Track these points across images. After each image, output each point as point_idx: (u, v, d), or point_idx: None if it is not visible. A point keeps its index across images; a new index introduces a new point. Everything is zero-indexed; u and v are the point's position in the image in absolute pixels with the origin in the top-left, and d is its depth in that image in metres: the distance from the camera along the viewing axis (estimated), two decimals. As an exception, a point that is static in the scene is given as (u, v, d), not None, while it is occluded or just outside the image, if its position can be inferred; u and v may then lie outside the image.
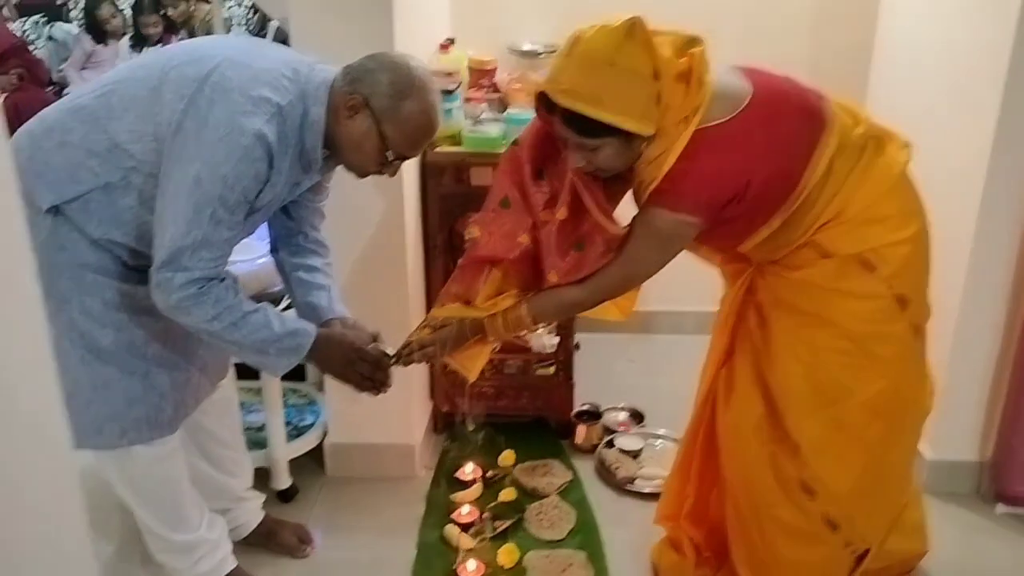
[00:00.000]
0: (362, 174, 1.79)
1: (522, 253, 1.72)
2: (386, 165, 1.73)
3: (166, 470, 1.89)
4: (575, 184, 1.67)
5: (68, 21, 5.13)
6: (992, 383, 2.38)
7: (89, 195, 1.66)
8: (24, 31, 5.07)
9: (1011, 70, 2.08)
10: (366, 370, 1.83)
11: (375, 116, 1.66)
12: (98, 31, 4.73)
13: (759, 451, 1.78)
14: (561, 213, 1.68)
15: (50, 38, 5.01)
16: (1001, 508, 2.39)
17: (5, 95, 4.30)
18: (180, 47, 1.74)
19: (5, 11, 5.19)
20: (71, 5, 5.20)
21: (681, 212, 1.59)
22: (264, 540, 2.24)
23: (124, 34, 4.79)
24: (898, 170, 1.66)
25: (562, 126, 1.58)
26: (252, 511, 2.22)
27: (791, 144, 1.61)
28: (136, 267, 1.73)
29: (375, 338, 1.89)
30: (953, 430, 2.42)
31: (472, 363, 1.87)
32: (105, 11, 4.70)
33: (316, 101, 1.67)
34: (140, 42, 4.65)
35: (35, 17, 5.16)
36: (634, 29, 1.50)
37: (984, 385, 2.39)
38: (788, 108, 1.62)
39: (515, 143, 1.78)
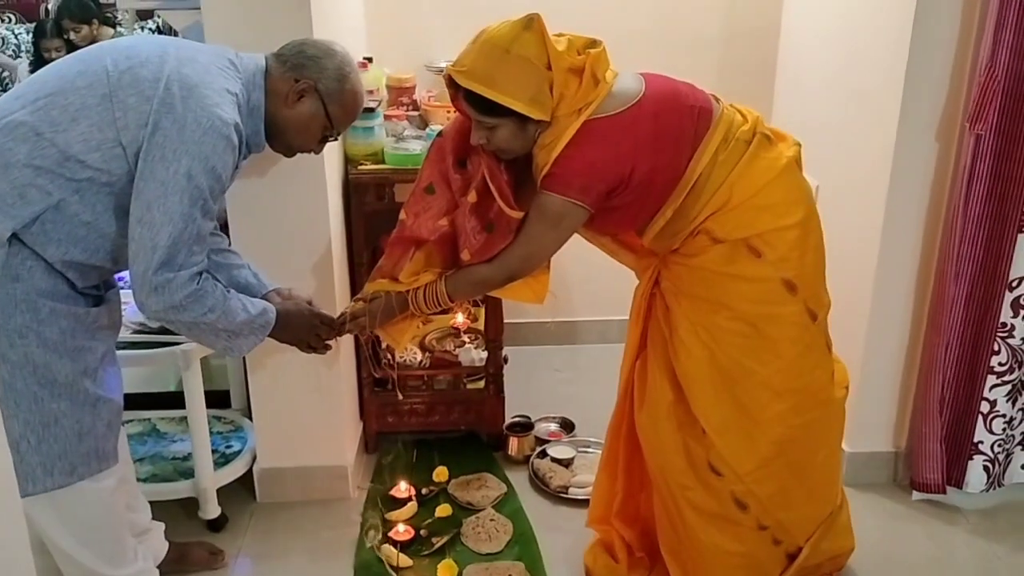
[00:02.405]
0: (293, 154, 1.91)
1: (442, 235, 1.85)
2: (322, 143, 1.89)
3: (109, 502, 1.85)
4: (484, 172, 1.79)
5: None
6: (903, 376, 2.50)
7: (44, 216, 1.62)
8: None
9: (908, 76, 2.20)
10: (324, 332, 1.98)
11: (322, 99, 1.79)
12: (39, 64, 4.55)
13: (671, 436, 1.87)
14: (472, 197, 1.80)
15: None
16: (917, 495, 2.50)
17: None
18: (108, 51, 1.69)
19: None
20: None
21: (569, 196, 1.71)
22: (177, 566, 2.19)
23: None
24: (783, 162, 1.77)
25: (465, 103, 1.73)
26: (159, 541, 2.16)
27: (676, 138, 1.74)
28: (84, 290, 1.73)
29: (311, 302, 2.04)
30: (868, 423, 2.52)
31: (400, 336, 2.01)
32: (52, 43, 4.50)
33: (255, 88, 1.77)
34: (40, 67, 4.48)
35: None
36: (532, 23, 1.66)
37: (895, 378, 2.50)
38: (676, 105, 1.75)
39: (439, 134, 1.91)
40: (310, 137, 1.85)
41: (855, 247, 2.43)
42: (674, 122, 1.74)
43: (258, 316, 1.83)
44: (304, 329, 1.97)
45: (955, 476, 2.46)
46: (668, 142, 1.73)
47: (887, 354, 2.48)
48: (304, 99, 1.80)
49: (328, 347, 2.03)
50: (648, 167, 1.72)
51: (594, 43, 1.75)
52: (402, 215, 1.89)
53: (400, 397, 2.56)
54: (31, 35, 4.65)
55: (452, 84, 1.73)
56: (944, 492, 2.46)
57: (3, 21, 5.23)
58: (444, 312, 3.01)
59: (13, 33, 5.27)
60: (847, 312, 2.46)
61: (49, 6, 5.10)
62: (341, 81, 1.81)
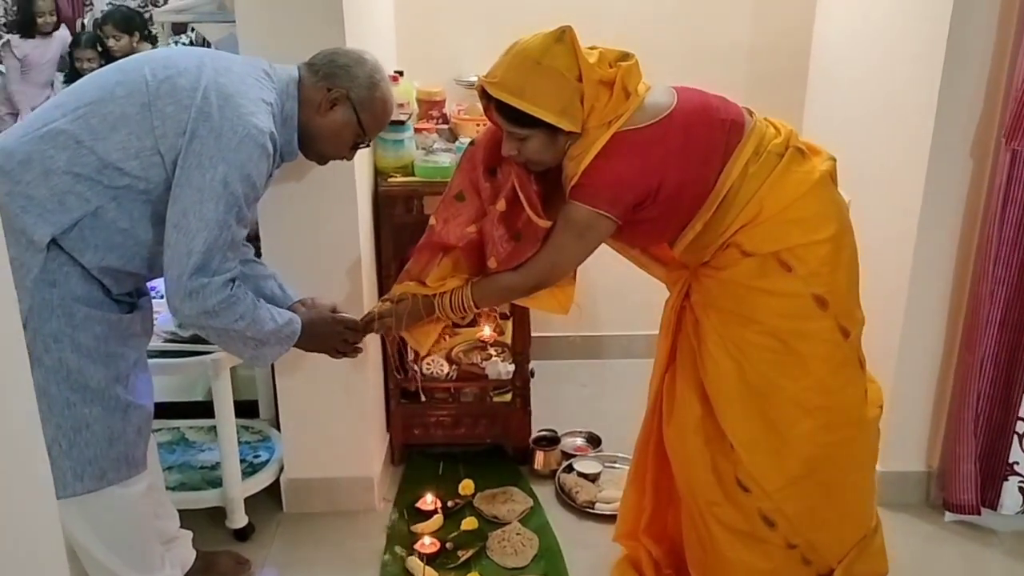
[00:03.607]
0: (325, 161, 1.95)
1: (470, 242, 1.87)
2: (354, 150, 1.93)
3: (138, 509, 1.86)
4: (514, 181, 1.80)
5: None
6: (936, 395, 2.46)
7: (82, 222, 1.66)
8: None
9: (942, 91, 2.18)
10: (351, 337, 2.01)
11: (354, 107, 1.84)
12: (30, 27, 4.62)
13: (699, 451, 1.86)
14: (500, 205, 1.82)
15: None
16: (949, 516, 2.46)
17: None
18: (146, 62, 1.73)
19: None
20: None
21: (596, 207, 1.71)
22: (203, 574, 2.20)
23: (55, 30, 4.68)
24: (816, 176, 1.75)
25: (496, 114, 1.74)
26: (186, 550, 2.18)
27: (706, 151, 1.73)
28: (119, 296, 1.76)
29: (335, 309, 2.06)
30: (901, 441, 2.49)
31: (424, 339, 2.03)
32: (86, 53, 4.57)
33: (289, 97, 1.81)
34: (74, 77, 4.56)
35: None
36: (564, 36, 1.67)
37: (929, 397, 2.47)
38: (706, 119, 1.75)
39: (472, 143, 1.94)
40: (342, 145, 1.89)
41: (888, 263, 2.40)
42: (704, 135, 1.74)
43: (284, 326, 1.85)
44: (330, 336, 1.99)
45: (989, 497, 2.42)
46: (697, 155, 1.73)
47: (920, 372, 2.44)
48: (337, 107, 1.84)
49: (358, 350, 2.05)
50: (677, 180, 1.72)
51: (626, 56, 1.75)
52: (432, 220, 1.92)
53: (422, 399, 2.56)
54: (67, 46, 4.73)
55: (484, 95, 1.74)
56: (978, 513, 2.42)
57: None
58: (470, 325, 3.03)
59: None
60: (880, 329, 2.43)
61: (86, 21, 5.19)
62: (372, 89, 1.85)
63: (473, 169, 1.89)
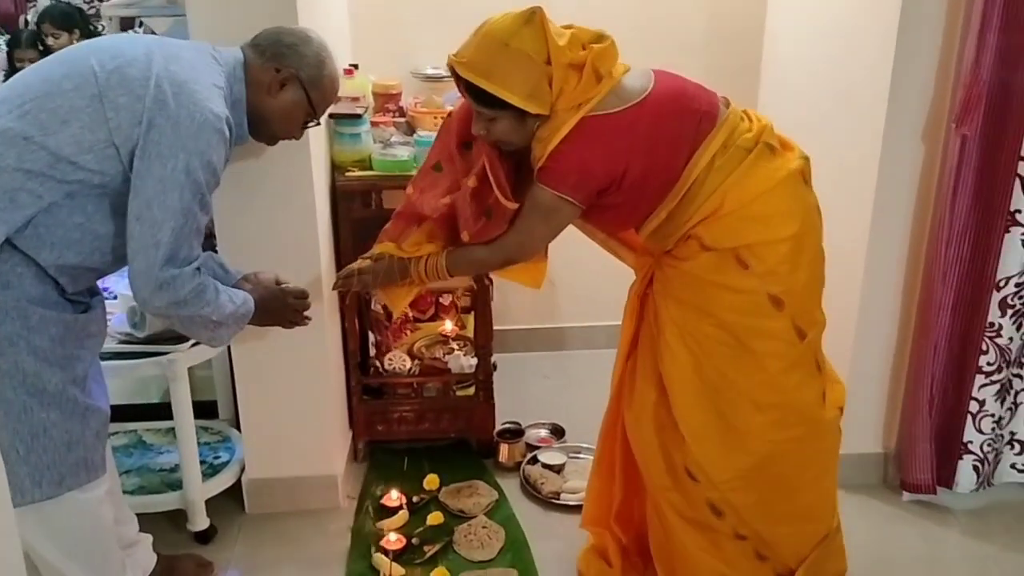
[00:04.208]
0: (276, 142, 1.95)
1: (444, 213, 1.88)
2: (304, 128, 1.93)
3: (97, 514, 1.83)
4: (485, 161, 1.81)
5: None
6: (892, 377, 2.51)
7: (35, 219, 1.61)
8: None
9: (894, 77, 2.21)
10: (300, 305, 2.03)
11: (304, 86, 1.84)
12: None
13: (652, 437, 1.87)
14: (472, 182, 1.82)
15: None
16: (907, 496, 2.51)
17: None
18: (91, 51, 1.68)
19: None
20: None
21: (560, 191, 1.72)
22: None
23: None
24: (783, 174, 1.75)
25: (465, 93, 1.75)
26: (147, 554, 2.14)
27: (673, 140, 1.73)
28: (73, 296, 1.73)
29: (278, 281, 2.05)
30: (858, 424, 2.52)
31: (398, 300, 2.07)
32: (27, 54, 4.45)
33: (237, 80, 1.80)
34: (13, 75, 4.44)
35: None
36: (533, 17, 1.67)
37: (884, 379, 2.51)
38: (678, 107, 1.74)
39: (450, 115, 1.95)
40: (293, 124, 1.89)
41: (842, 248, 2.43)
42: (674, 124, 1.73)
43: (240, 306, 1.86)
44: (281, 309, 2.01)
45: (945, 476, 2.48)
46: (665, 144, 1.73)
47: (875, 355, 2.48)
48: (286, 88, 1.84)
49: (307, 319, 2.07)
50: (642, 168, 1.72)
51: (601, 37, 1.74)
52: (408, 189, 1.95)
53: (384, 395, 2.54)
54: (5, 45, 4.60)
55: (455, 73, 1.74)
56: (935, 492, 2.47)
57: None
58: (432, 319, 3.02)
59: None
60: (836, 314, 2.46)
61: (29, 17, 5.05)
62: (320, 67, 1.86)
63: (448, 139, 1.90)
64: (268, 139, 1.92)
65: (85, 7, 4.49)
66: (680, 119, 1.73)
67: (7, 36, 4.76)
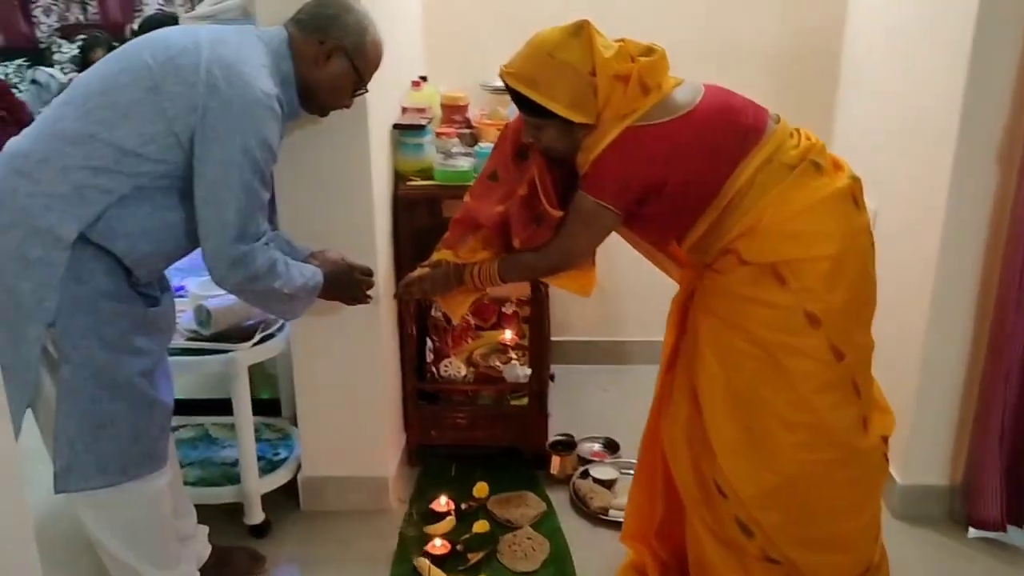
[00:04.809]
0: (326, 113, 2.01)
1: (498, 221, 1.92)
2: (352, 97, 1.98)
3: (157, 504, 1.90)
4: (534, 169, 1.85)
5: (51, 65, 5.18)
6: (961, 407, 2.40)
7: (107, 213, 1.70)
8: (7, 75, 5.12)
9: (966, 97, 2.13)
10: (366, 283, 2.12)
11: (349, 55, 1.89)
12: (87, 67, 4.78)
13: (685, 450, 1.86)
14: (522, 190, 1.87)
15: (33, 81, 5.04)
16: (973, 532, 2.40)
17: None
18: (143, 46, 1.76)
19: (-13, 55, 5.25)
20: (54, 49, 5.26)
21: (601, 199, 1.75)
22: (218, 570, 2.24)
23: None
24: (825, 193, 1.71)
25: (515, 102, 1.79)
26: (202, 545, 2.22)
27: (716, 153, 1.73)
28: (143, 290, 1.82)
29: (343, 258, 2.12)
30: (924, 454, 2.43)
31: (456, 307, 2.12)
32: (98, 55, 4.74)
33: (283, 57, 1.85)
34: None
35: (18, 61, 5.21)
36: (580, 30, 1.71)
37: (953, 409, 2.41)
38: (725, 121, 1.74)
39: (507, 126, 2.00)
40: (342, 94, 1.95)
41: (912, 271, 2.36)
42: (719, 138, 1.73)
43: (310, 279, 1.95)
44: (348, 284, 2.09)
45: (1016, 513, 2.35)
46: (707, 156, 1.72)
47: (943, 382, 2.38)
48: (332, 59, 1.88)
49: (370, 297, 2.15)
50: (682, 179, 1.72)
51: (650, 50, 1.76)
52: (466, 197, 2.01)
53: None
54: (80, 49, 4.88)
55: (505, 83, 1.79)
56: (1004, 530, 2.35)
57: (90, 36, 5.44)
58: (494, 327, 3.05)
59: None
60: (903, 339, 2.40)
61: (135, 26, 5.34)
62: (363, 34, 1.90)
63: (504, 148, 1.95)
64: (319, 110, 1.98)
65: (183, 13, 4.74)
66: (724, 132, 1.73)
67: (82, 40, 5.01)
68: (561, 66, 1.69)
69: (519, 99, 1.75)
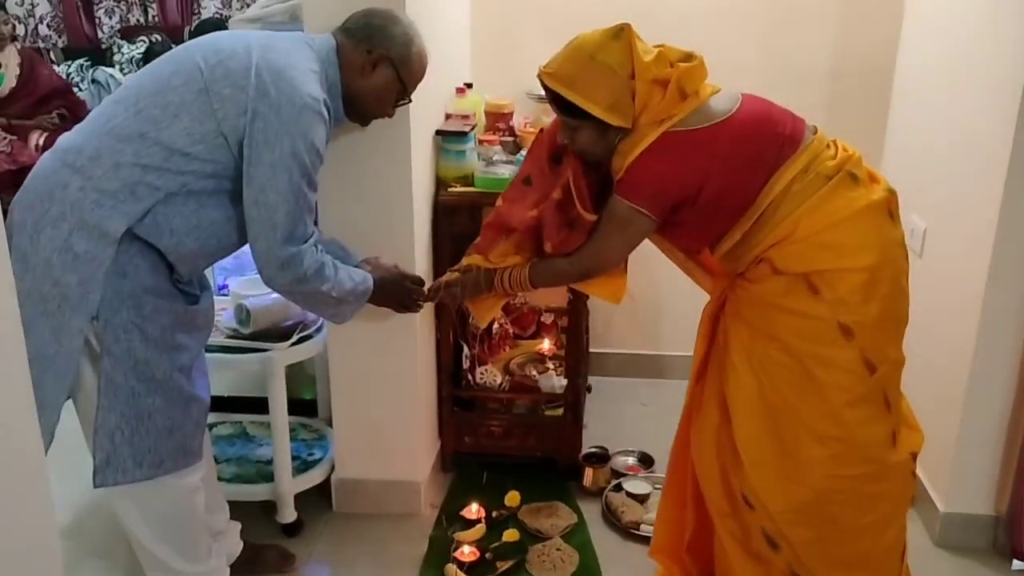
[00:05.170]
0: (368, 122, 2.04)
1: (529, 225, 1.93)
2: (395, 107, 2.00)
3: (190, 499, 1.93)
4: (569, 172, 1.85)
5: (111, 65, 5.31)
6: (1007, 435, 2.33)
7: (154, 209, 1.74)
8: (69, 74, 5.25)
9: (1020, 120, 2.07)
10: (416, 292, 2.13)
11: (395, 65, 1.92)
12: None
13: (713, 460, 1.85)
14: (557, 194, 1.86)
15: (94, 81, 5.18)
16: (1017, 564, 2.33)
17: (47, 134, 4.44)
18: (195, 50, 1.80)
19: (51, 55, 5.39)
20: (115, 50, 5.38)
21: (635, 203, 1.74)
22: (249, 566, 2.26)
23: None
24: (861, 204, 1.69)
25: (552, 103, 1.79)
26: (234, 541, 2.24)
27: (753, 162, 1.71)
28: (184, 288, 1.86)
29: (396, 266, 2.17)
30: (967, 483, 2.37)
31: (485, 312, 2.14)
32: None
33: (331, 64, 1.88)
34: None
35: (80, 61, 5.34)
36: (621, 33, 1.72)
37: (999, 437, 2.33)
38: (762, 130, 1.73)
39: (542, 130, 2.00)
40: (386, 103, 1.97)
41: (960, 294, 2.30)
42: (756, 146, 1.72)
43: (360, 283, 1.98)
44: (398, 291, 2.11)
45: (1062, 547, 2.28)
46: (743, 164, 1.71)
47: (990, 410, 2.31)
48: (378, 68, 1.92)
49: (420, 306, 2.17)
50: (718, 186, 1.71)
51: (689, 57, 1.76)
52: (499, 201, 2.01)
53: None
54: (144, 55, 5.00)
55: (543, 84, 1.79)
56: (1049, 563, 2.28)
57: (153, 42, 5.58)
58: (532, 337, 3.04)
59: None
60: (948, 364, 2.34)
61: (192, 28, 5.45)
62: (409, 45, 1.93)
63: (540, 153, 1.95)
64: (362, 119, 2.01)
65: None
66: (761, 141, 1.72)
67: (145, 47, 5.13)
68: (601, 68, 1.69)
69: (556, 100, 1.76)
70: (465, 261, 2.06)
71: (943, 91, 2.50)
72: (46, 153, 1.79)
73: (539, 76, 1.77)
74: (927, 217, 2.51)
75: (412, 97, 2.02)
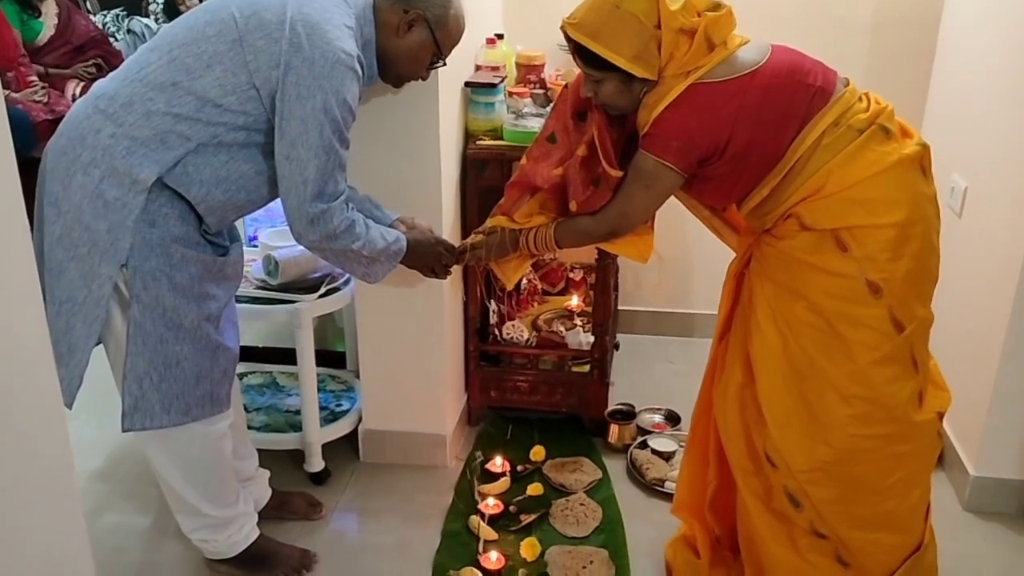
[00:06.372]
0: (402, 84, 2.01)
1: (554, 184, 1.90)
2: (430, 69, 1.98)
3: (218, 446, 1.96)
4: (594, 128, 1.81)
5: (146, 15, 5.31)
6: (1041, 400, 2.29)
7: (185, 159, 1.74)
8: (105, 24, 5.26)
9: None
10: (447, 258, 2.09)
11: (431, 27, 1.88)
12: (175, 14, 4.89)
13: (736, 418, 1.83)
14: (581, 151, 1.84)
15: (129, 31, 5.18)
16: (1048, 530, 2.30)
17: (83, 84, 4.47)
18: (229, 1, 1.78)
19: (88, 4, 5.40)
20: (149, 0, 5.38)
21: (663, 158, 1.70)
22: (276, 512, 2.31)
23: None
24: (893, 159, 1.64)
25: (574, 55, 1.75)
26: (262, 488, 2.29)
27: (782, 114, 1.67)
28: (212, 239, 1.87)
29: (431, 229, 2.15)
30: (998, 447, 2.33)
31: (511, 273, 2.12)
32: None
33: (367, 22, 1.85)
34: (171, 10, 4.84)
35: (115, 11, 5.34)
36: None
37: (1032, 402, 2.29)
38: (792, 81, 1.67)
39: (566, 86, 1.96)
40: (420, 65, 1.94)
41: (999, 255, 2.24)
42: (785, 98, 1.67)
43: (393, 243, 1.96)
44: (430, 256, 2.08)
45: (1094, 514, 2.24)
46: (773, 117, 1.67)
47: (1023, 375, 2.27)
48: (414, 29, 1.88)
49: (449, 272, 2.15)
50: (746, 139, 1.67)
51: (717, 6, 1.70)
52: (523, 160, 1.98)
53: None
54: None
55: (566, 35, 1.75)
56: (1080, 530, 2.25)
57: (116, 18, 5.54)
58: (561, 293, 3.03)
59: None
60: (983, 328, 2.29)
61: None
62: (446, 7, 1.89)
63: (564, 110, 1.92)
64: (395, 80, 1.98)
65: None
66: (791, 93, 1.67)
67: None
68: (626, 17, 1.64)
69: (580, 51, 1.72)
70: (489, 223, 2.05)
71: (992, 44, 2.41)
72: (80, 99, 1.80)
73: (562, 27, 1.73)
74: (968, 176, 2.44)
75: (447, 60, 1.99)
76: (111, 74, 1.82)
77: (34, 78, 4.25)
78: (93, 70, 4.59)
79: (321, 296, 2.34)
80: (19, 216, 0.90)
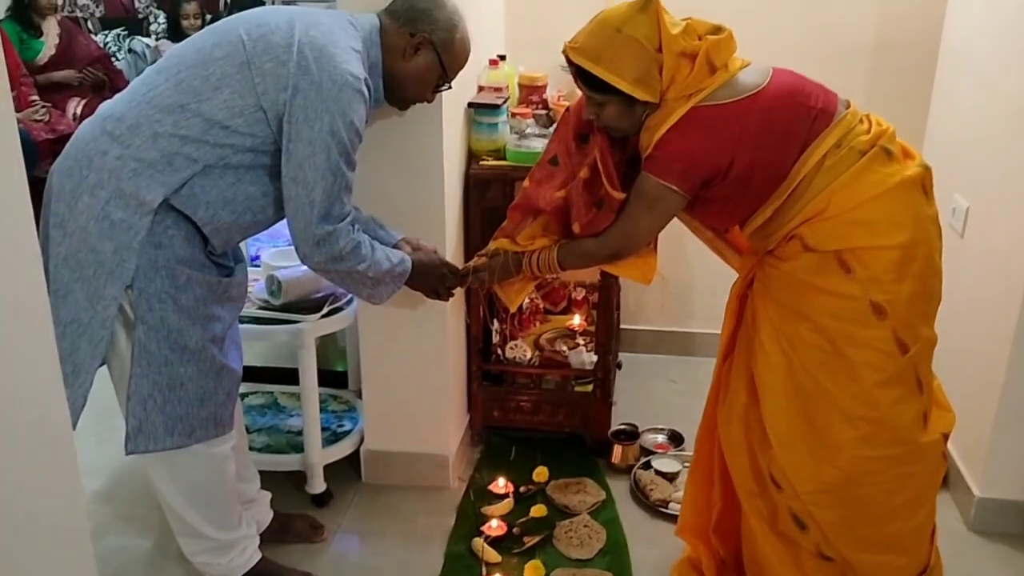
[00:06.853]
0: (408, 106, 2.02)
1: (557, 206, 1.90)
2: (435, 92, 1.99)
3: (221, 468, 1.95)
4: (596, 150, 1.82)
5: (147, 35, 5.33)
6: (1047, 421, 2.28)
7: (192, 180, 1.75)
8: (106, 43, 5.28)
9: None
10: (450, 281, 2.09)
11: (437, 50, 1.90)
12: (177, 31, 4.92)
13: (741, 440, 1.82)
14: (584, 173, 1.84)
15: (130, 50, 5.21)
16: (1054, 552, 2.29)
17: (84, 101, 4.49)
18: (239, 23, 1.79)
19: (89, 24, 5.43)
20: (151, 20, 5.40)
21: (665, 180, 1.71)
22: (278, 534, 2.29)
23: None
24: (895, 180, 1.65)
25: (576, 78, 1.76)
26: (264, 510, 2.27)
27: (784, 136, 1.68)
28: (217, 260, 1.87)
29: (435, 251, 2.16)
30: (1003, 468, 2.32)
31: (514, 296, 2.12)
32: (188, 9, 4.87)
33: (373, 45, 1.87)
34: (175, 31, 4.86)
35: (117, 31, 5.37)
36: (648, 5, 1.68)
37: (1037, 422, 2.29)
38: (793, 104, 1.69)
39: (568, 109, 1.96)
40: (426, 88, 1.95)
41: (1001, 275, 2.24)
42: (786, 120, 1.68)
43: (398, 265, 1.96)
44: (434, 277, 2.08)
45: (1101, 536, 2.23)
46: (774, 139, 1.68)
47: (1029, 395, 2.26)
48: (420, 52, 1.90)
49: (452, 294, 2.15)
50: (749, 161, 1.68)
51: (718, 29, 1.72)
52: (525, 182, 1.99)
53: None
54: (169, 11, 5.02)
55: (568, 59, 1.76)
56: (1087, 552, 2.24)
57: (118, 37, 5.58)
58: (563, 312, 3.02)
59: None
60: (987, 348, 2.29)
61: (228, 1, 5.44)
62: (452, 31, 1.91)
63: (566, 132, 1.92)
64: (400, 103, 1.99)
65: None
66: (793, 115, 1.68)
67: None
68: (628, 41, 1.66)
69: (582, 75, 1.73)
70: (492, 245, 2.05)
71: (992, 63, 2.42)
72: (86, 120, 1.80)
73: (564, 51, 1.74)
74: (970, 196, 2.45)
75: (452, 84, 2.00)
76: (118, 95, 1.82)
77: (35, 97, 4.27)
78: (101, 75, 4.60)
79: (324, 316, 2.33)
80: (30, 238, 0.90)
